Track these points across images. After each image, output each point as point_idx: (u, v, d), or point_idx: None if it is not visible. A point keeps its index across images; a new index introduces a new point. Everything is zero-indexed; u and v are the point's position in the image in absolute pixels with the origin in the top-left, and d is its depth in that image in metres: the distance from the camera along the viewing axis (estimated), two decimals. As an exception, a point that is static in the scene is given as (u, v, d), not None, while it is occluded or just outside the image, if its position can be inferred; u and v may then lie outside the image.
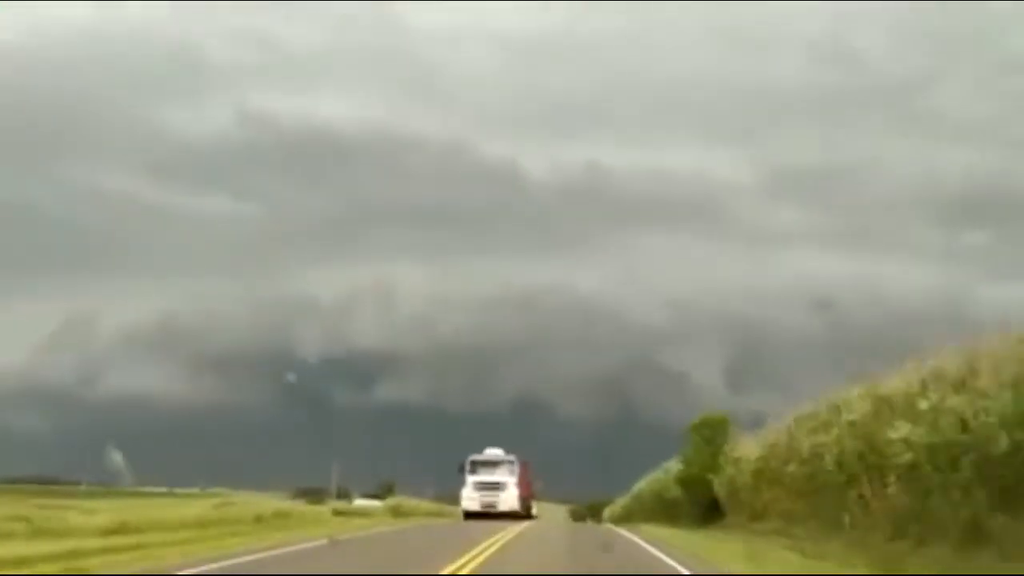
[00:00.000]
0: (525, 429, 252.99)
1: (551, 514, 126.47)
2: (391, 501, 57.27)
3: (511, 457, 40.11)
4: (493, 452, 40.29)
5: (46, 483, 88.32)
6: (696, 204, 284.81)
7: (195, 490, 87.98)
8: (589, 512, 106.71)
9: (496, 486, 38.11)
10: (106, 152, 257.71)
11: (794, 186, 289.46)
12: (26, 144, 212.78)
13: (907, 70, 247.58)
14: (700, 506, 27.10)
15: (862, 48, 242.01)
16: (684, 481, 28.01)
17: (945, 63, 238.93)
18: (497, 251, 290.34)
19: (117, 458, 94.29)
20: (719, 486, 25.11)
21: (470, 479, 38.59)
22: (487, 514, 36.21)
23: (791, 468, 19.67)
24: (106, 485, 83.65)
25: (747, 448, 23.64)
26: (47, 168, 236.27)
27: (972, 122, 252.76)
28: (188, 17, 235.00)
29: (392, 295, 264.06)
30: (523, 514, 38.48)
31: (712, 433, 27.14)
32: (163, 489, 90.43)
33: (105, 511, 28.62)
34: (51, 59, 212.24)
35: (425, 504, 61.76)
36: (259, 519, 29.80)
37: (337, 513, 42.70)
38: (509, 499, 37.83)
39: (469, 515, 37.42)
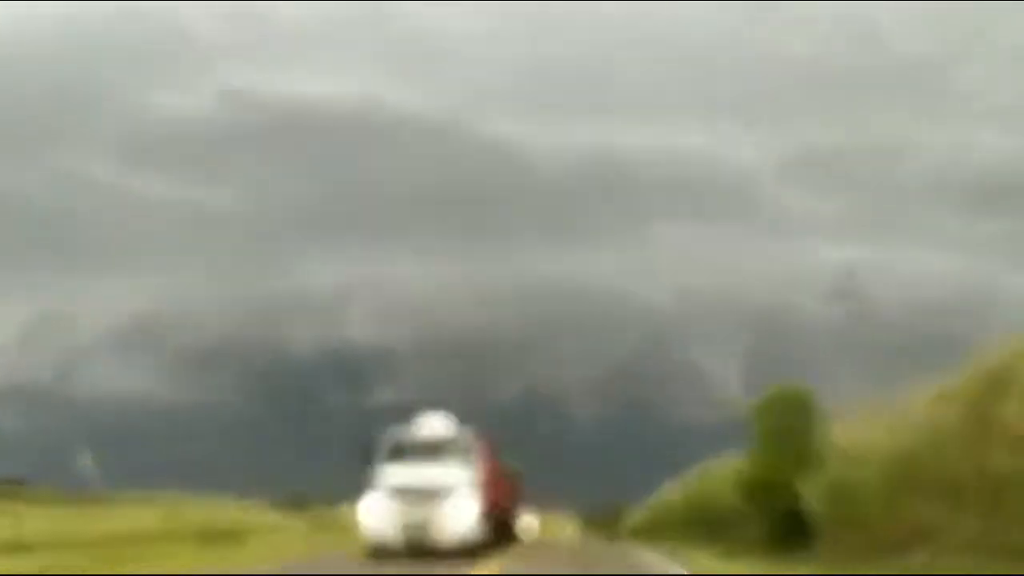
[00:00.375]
0: (531, 427, 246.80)
1: (557, 531, 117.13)
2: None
3: (462, 433, 22.21)
4: (431, 422, 22.52)
5: (12, 483, 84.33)
6: (711, 187, 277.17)
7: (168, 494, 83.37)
8: (606, 525, 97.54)
9: (432, 495, 20.38)
10: (83, 137, 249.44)
11: (815, 169, 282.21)
12: None
13: (933, 51, 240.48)
14: (773, 523, 18.38)
15: (886, 27, 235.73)
16: (750, 486, 19.21)
17: (971, 43, 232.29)
18: (500, 238, 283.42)
19: (86, 460, 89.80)
20: (812, 494, 16.30)
21: (384, 477, 20.74)
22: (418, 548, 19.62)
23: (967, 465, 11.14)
24: (75, 489, 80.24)
25: (863, 432, 15.00)
26: (20, 154, 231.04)
27: (1000, 104, 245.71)
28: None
29: (387, 287, 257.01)
30: (492, 542, 22.19)
31: (790, 415, 18.51)
32: (138, 493, 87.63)
33: (30, 519, 27.02)
34: (24, 41, 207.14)
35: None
36: (203, 535, 26.50)
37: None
38: (458, 518, 20.47)
39: (380, 551, 20.02)
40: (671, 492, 36.20)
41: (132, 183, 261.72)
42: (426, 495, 20.21)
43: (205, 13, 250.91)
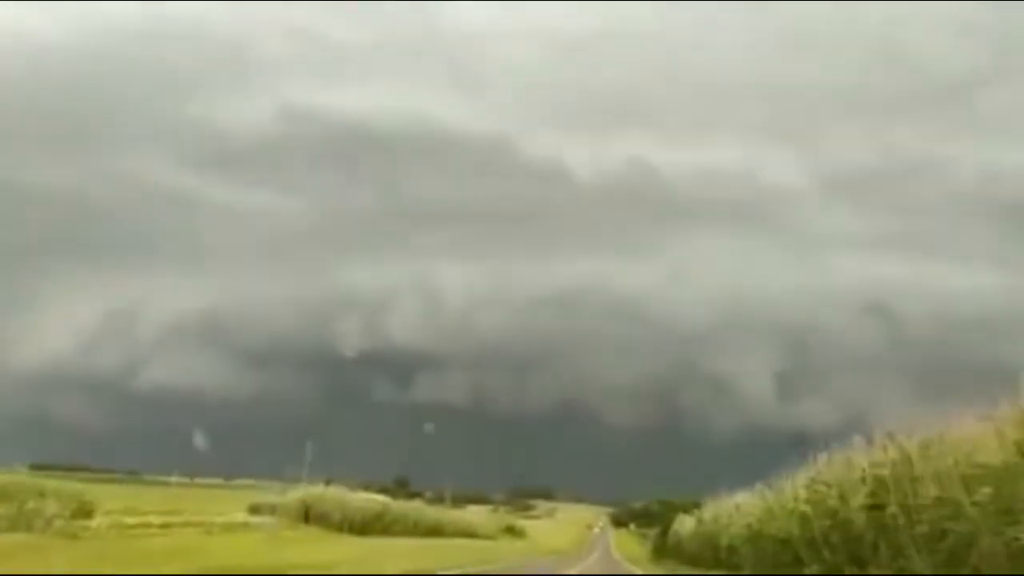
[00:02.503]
0: (568, 434, 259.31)
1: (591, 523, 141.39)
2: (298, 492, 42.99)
3: None
4: None
5: (77, 470, 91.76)
6: (745, 205, 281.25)
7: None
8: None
9: None
10: (153, 145, 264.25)
11: (847, 188, 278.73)
12: (75, 137, 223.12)
13: (962, 71, 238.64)
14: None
15: (917, 49, 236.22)
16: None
17: (1002, 63, 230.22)
18: (540, 250, 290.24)
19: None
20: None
21: None
22: None
23: None
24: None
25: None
26: (95, 160, 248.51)
27: None
28: (233, 13, 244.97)
29: (434, 293, 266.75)
30: None
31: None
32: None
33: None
34: (101, 55, 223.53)
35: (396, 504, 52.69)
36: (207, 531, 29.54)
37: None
38: None
39: None
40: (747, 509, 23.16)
41: (196, 189, 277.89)
42: None
43: (267, 32, 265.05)
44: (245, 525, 34.08)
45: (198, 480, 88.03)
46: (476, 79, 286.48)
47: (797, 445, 16.98)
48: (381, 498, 50.60)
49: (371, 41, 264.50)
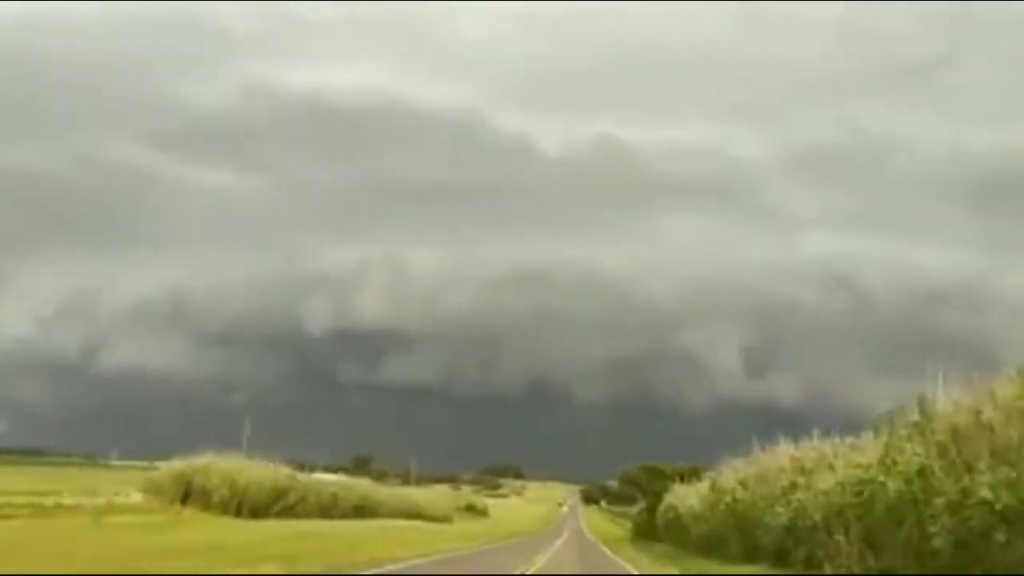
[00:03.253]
0: (538, 412, 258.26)
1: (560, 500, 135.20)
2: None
3: None
4: None
5: (33, 454, 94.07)
6: (713, 182, 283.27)
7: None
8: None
9: None
10: (114, 122, 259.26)
11: (814, 165, 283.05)
12: (32, 114, 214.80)
13: (927, 50, 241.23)
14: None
15: (881, 28, 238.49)
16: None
17: (967, 42, 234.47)
18: (510, 228, 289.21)
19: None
20: None
21: None
22: None
23: None
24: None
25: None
26: (52, 138, 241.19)
27: (993, 102, 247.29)
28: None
29: (401, 271, 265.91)
30: None
31: None
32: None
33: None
34: (58, 30, 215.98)
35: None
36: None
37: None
38: None
39: None
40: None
41: (158, 167, 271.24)
42: None
43: (228, 7, 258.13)
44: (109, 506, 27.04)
45: (134, 461, 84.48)
46: (442, 55, 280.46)
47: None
48: (303, 476, 40.88)
49: (335, 16, 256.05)
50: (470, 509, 69.43)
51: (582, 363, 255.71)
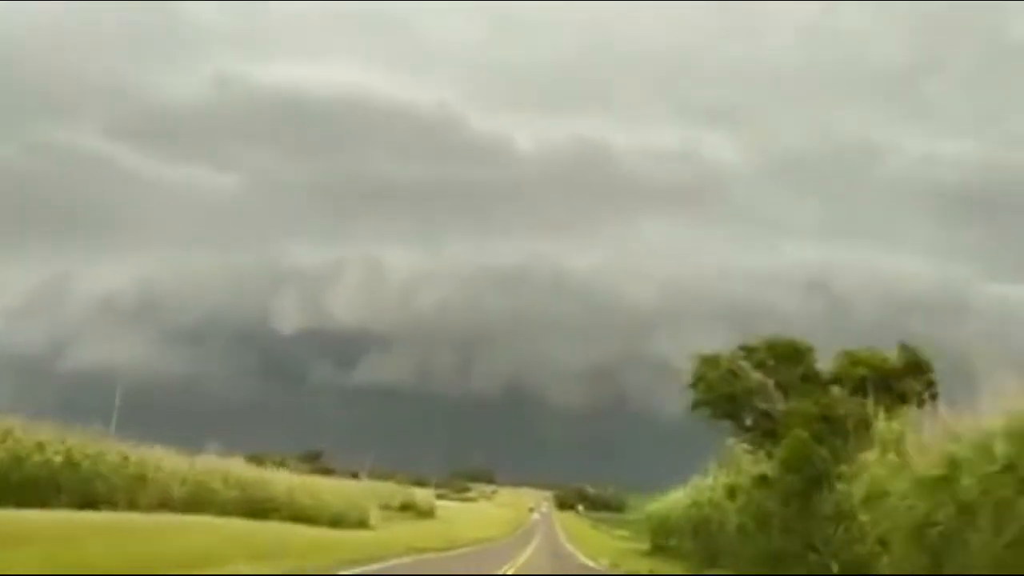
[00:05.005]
0: (513, 416, 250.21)
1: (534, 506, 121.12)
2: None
3: None
4: None
5: None
6: (689, 186, 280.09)
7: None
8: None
9: None
10: (82, 115, 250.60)
11: (790, 170, 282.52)
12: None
13: (902, 59, 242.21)
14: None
15: (857, 36, 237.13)
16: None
17: (943, 50, 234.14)
18: (484, 228, 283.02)
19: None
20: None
21: None
22: None
23: None
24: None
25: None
26: (18, 129, 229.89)
27: (969, 111, 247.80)
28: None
29: (375, 270, 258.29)
30: None
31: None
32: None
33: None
34: (25, 20, 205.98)
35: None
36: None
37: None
38: None
39: None
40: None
41: (128, 162, 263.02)
42: None
43: (204, 5, 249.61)
44: None
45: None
46: (418, 54, 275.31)
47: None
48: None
49: (310, 13, 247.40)
50: (408, 509, 53.60)
51: (557, 367, 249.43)
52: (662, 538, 32.41)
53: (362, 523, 38.88)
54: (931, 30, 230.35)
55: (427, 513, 59.16)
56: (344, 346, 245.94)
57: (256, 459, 38.53)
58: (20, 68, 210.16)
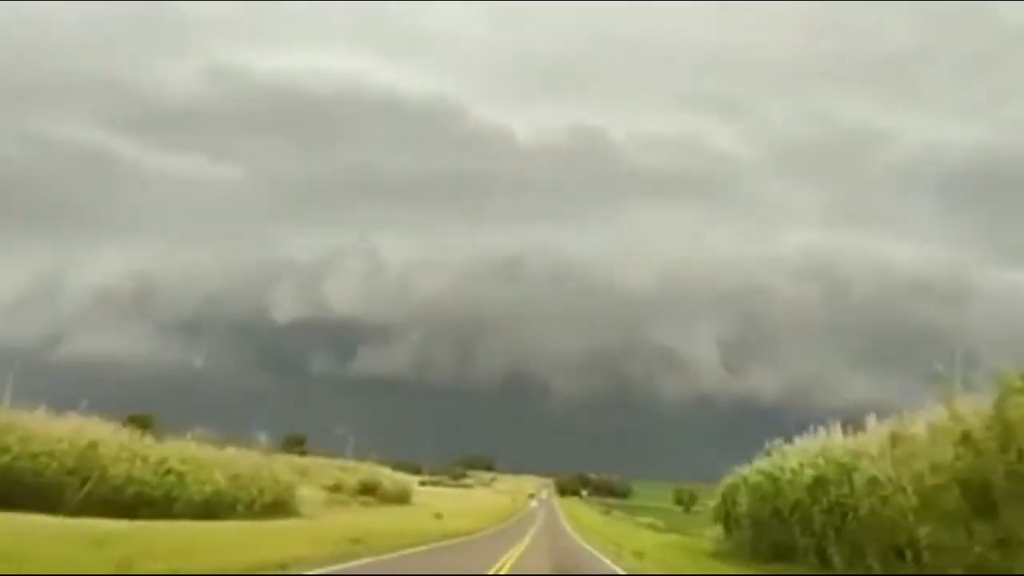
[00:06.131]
0: (514, 404, 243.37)
1: (535, 492, 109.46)
2: None
3: None
4: None
5: None
6: (690, 173, 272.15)
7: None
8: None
9: None
10: (77, 107, 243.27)
11: (791, 158, 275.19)
12: None
13: (902, 46, 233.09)
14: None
15: (857, 24, 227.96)
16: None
17: (942, 39, 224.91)
18: (484, 216, 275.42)
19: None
20: None
21: None
22: None
23: None
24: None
25: None
26: (17, 122, 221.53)
27: (969, 97, 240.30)
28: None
29: (374, 260, 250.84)
30: None
31: None
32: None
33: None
34: (21, 14, 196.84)
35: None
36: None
37: None
38: None
39: None
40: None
41: (124, 153, 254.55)
42: None
43: None
44: None
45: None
46: (416, 44, 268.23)
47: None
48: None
49: (307, 3, 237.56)
50: (370, 493, 41.45)
51: (559, 355, 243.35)
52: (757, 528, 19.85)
53: (283, 509, 26.94)
54: (930, 19, 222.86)
55: (398, 498, 47.19)
56: (342, 336, 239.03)
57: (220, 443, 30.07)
58: (15, 61, 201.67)
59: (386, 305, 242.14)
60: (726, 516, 22.09)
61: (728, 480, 22.30)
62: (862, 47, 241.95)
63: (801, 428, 17.89)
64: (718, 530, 23.59)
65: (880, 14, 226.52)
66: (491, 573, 15.96)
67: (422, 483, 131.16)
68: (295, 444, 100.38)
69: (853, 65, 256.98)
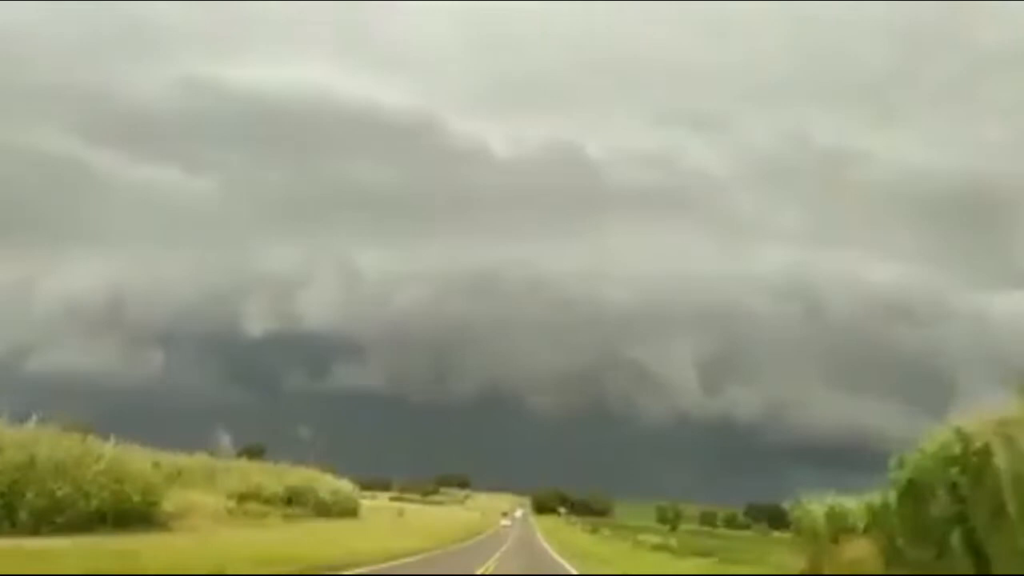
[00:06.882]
0: (490, 421, 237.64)
1: (509, 510, 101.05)
2: None
3: None
4: None
5: None
6: (667, 191, 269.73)
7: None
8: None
9: None
10: (50, 117, 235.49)
11: (768, 176, 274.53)
12: None
13: (877, 69, 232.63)
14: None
15: (833, 46, 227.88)
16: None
17: (919, 60, 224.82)
18: (460, 232, 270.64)
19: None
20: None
21: None
22: None
23: None
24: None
25: None
26: None
27: (946, 119, 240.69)
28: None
29: (349, 275, 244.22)
30: None
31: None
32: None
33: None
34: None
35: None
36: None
37: None
38: None
39: None
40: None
41: (97, 164, 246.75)
42: None
43: (166, 3, 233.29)
44: None
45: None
46: (393, 56, 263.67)
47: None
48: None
49: (281, 12, 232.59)
50: (298, 504, 34.01)
51: (535, 372, 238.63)
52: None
53: (146, 520, 19.76)
54: (907, 40, 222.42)
55: (342, 512, 39.97)
56: (316, 351, 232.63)
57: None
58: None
59: (361, 319, 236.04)
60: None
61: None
62: (841, 68, 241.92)
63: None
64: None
65: (858, 37, 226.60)
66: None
67: (392, 499, 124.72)
68: (255, 453, 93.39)
69: (832, 85, 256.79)
